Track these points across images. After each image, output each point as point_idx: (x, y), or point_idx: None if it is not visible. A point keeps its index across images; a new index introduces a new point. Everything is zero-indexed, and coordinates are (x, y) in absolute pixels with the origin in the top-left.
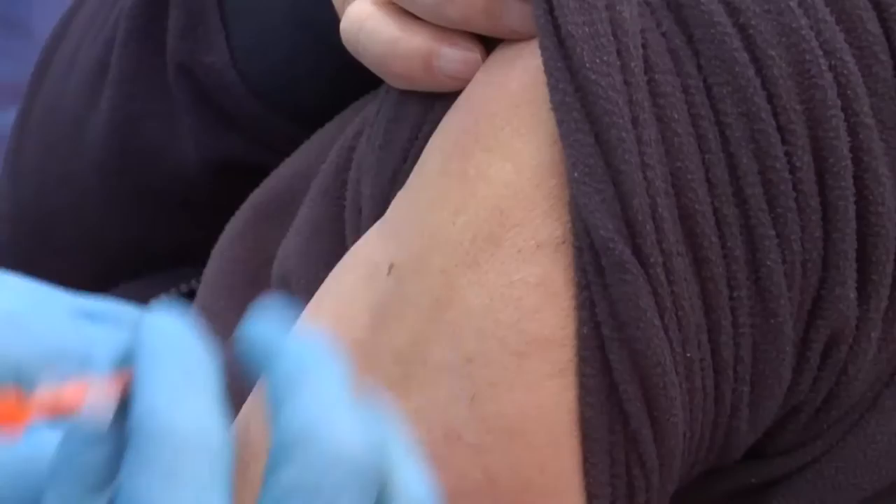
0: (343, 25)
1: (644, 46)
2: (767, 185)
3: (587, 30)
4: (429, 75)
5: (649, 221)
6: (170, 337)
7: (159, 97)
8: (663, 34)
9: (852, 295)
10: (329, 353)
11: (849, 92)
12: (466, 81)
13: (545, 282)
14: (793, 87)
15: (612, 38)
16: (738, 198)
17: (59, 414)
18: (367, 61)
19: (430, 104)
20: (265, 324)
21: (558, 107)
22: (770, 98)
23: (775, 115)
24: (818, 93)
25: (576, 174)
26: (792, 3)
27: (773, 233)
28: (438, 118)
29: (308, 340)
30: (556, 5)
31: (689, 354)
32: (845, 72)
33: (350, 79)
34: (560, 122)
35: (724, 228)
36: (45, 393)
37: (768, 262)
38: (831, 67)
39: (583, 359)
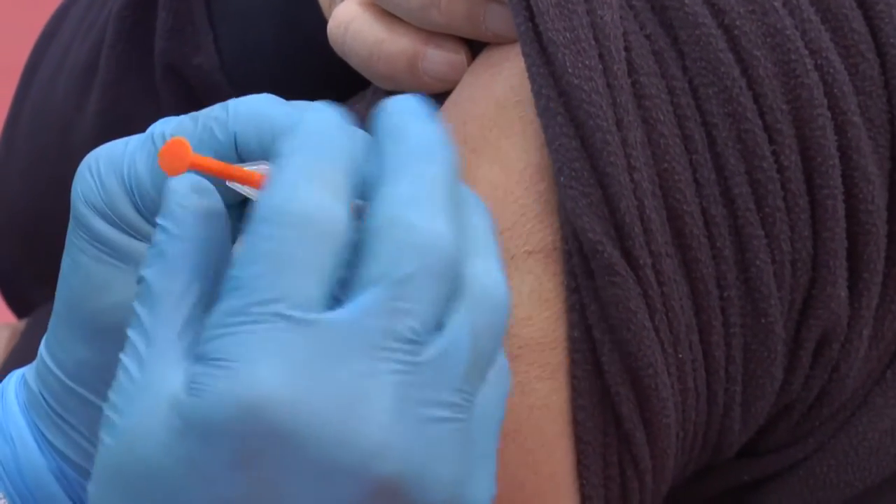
0: (330, 27)
1: (627, 49)
2: (755, 184)
3: (568, 35)
4: (413, 76)
5: (637, 223)
6: (317, 127)
7: (147, 98)
8: (647, 36)
9: (843, 293)
10: (442, 142)
11: (835, 91)
12: (451, 83)
13: (537, 288)
14: (778, 87)
15: (593, 43)
16: (725, 198)
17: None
18: (353, 62)
19: None
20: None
21: (542, 112)
22: (756, 98)
23: (762, 114)
24: (804, 92)
25: (562, 178)
26: (777, 4)
27: (761, 232)
28: None
29: (430, 124)
30: (537, 12)
31: (680, 355)
32: (831, 71)
33: (337, 80)
34: (545, 128)
35: (713, 229)
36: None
37: (757, 262)
38: (817, 67)
39: (574, 361)
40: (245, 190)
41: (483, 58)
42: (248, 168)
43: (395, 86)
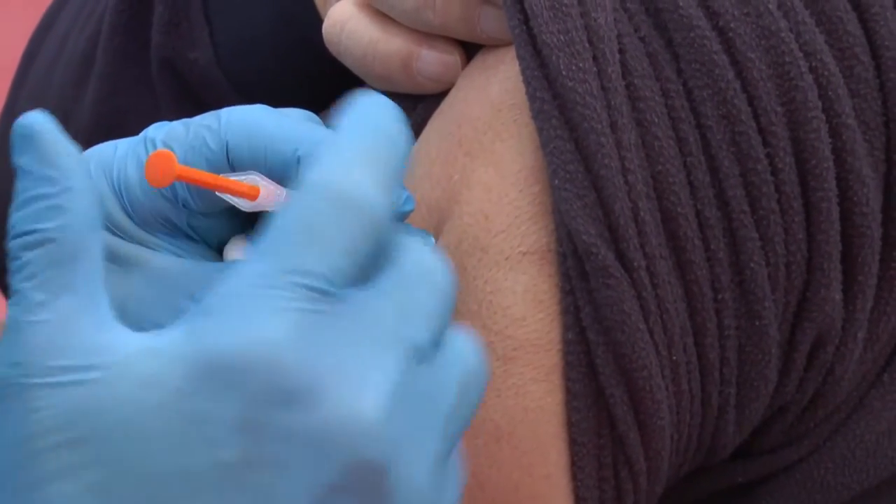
0: (325, 26)
1: (622, 51)
2: (749, 187)
3: (562, 38)
4: (408, 77)
5: (631, 225)
6: (365, 114)
7: (143, 92)
8: (642, 39)
9: (838, 296)
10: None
11: (830, 93)
12: (446, 84)
13: (531, 289)
14: (773, 90)
15: (587, 45)
16: (720, 200)
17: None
18: (347, 62)
19: (411, 106)
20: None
21: (537, 115)
22: (750, 100)
23: (756, 117)
24: (798, 94)
25: (556, 181)
26: (771, 6)
27: (755, 235)
28: (419, 120)
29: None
30: (531, 14)
31: (674, 357)
32: (826, 73)
33: (332, 78)
34: (539, 130)
35: (707, 231)
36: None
37: (752, 265)
38: (812, 69)
39: (569, 363)
40: (234, 200)
41: (478, 60)
42: (237, 178)
43: (389, 86)
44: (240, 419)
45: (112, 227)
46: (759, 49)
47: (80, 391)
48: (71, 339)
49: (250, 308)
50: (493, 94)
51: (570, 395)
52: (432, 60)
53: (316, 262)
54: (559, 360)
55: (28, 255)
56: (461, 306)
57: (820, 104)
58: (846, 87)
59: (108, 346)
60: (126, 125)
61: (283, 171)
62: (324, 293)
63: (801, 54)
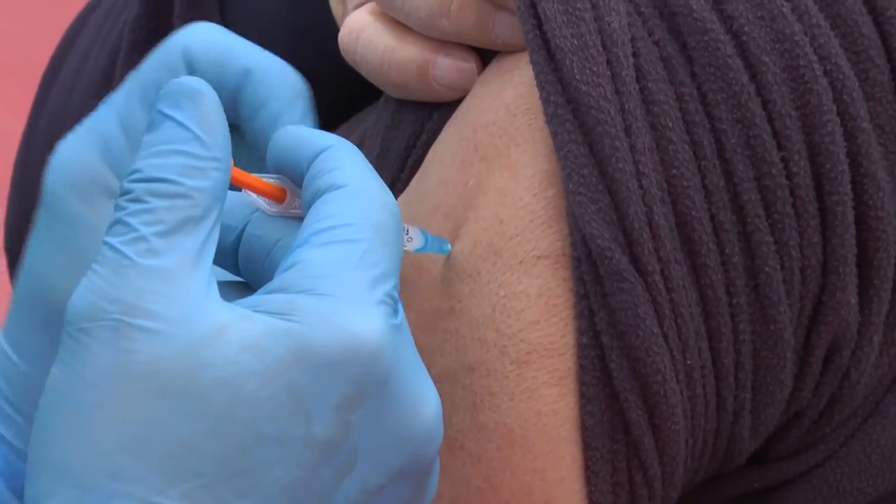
0: (341, 35)
1: (636, 55)
2: (764, 191)
3: (576, 42)
4: (424, 84)
5: (646, 229)
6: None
7: None
8: (656, 43)
9: (853, 300)
10: None
11: (844, 97)
12: (462, 91)
13: (545, 293)
14: (787, 93)
15: (601, 49)
16: (734, 204)
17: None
18: (364, 71)
19: (428, 114)
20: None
21: (551, 119)
22: (765, 104)
23: (770, 120)
24: (813, 98)
25: (571, 185)
26: (785, 10)
27: (770, 239)
28: (436, 127)
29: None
30: (545, 19)
31: (689, 362)
32: (840, 76)
33: (350, 88)
34: (554, 135)
35: (722, 235)
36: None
37: (767, 269)
38: (826, 72)
39: (583, 367)
40: (258, 200)
41: (493, 66)
42: (266, 179)
43: (406, 94)
44: (339, 401)
45: (100, 190)
46: (773, 53)
47: (179, 343)
48: (179, 292)
49: (363, 304)
50: (508, 99)
51: (584, 400)
52: (448, 67)
53: (393, 270)
54: (573, 364)
55: (156, 202)
56: (475, 310)
57: (834, 107)
58: (861, 90)
59: (209, 308)
60: None
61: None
62: (396, 301)
63: (815, 58)
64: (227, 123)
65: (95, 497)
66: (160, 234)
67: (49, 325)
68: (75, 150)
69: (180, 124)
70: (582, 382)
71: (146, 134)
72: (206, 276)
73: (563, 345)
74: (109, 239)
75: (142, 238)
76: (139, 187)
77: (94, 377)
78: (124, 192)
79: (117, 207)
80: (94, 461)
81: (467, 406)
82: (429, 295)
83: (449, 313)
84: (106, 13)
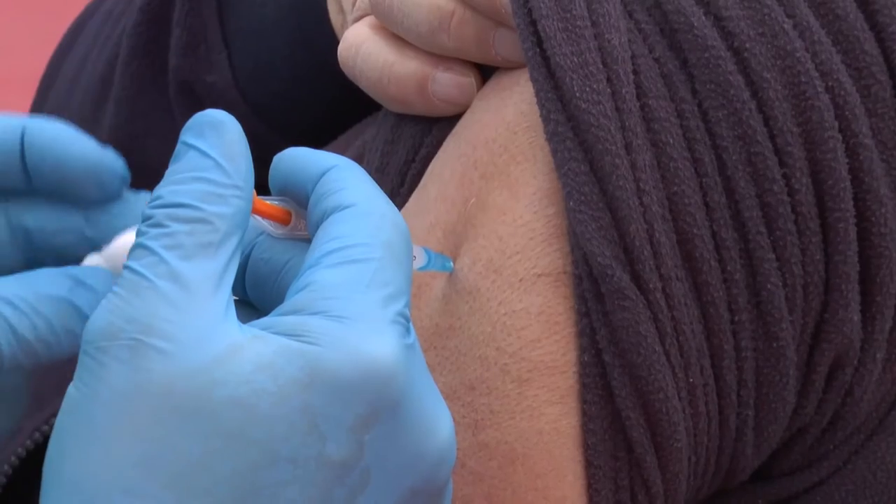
0: (341, 49)
1: (636, 72)
2: (766, 207)
3: (576, 59)
4: (423, 99)
5: (647, 247)
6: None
7: (161, 115)
8: (656, 59)
9: (856, 317)
10: None
11: (847, 113)
12: (461, 106)
13: (546, 311)
14: (789, 110)
15: (601, 66)
16: (736, 221)
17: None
18: (363, 84)
19: (427, 128)
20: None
21: (551, 137)
22: (766, 121)
23: (772, 137)
24: (815, 114)
25: (571, 203)
26: (787, 26)
27: (772, 256)
28: (435, 142)
29: None
30: (545, 37)
31: (691, 379)
32: (842, 93)
33: (349, 98)
34: (554, 152)
35: (724, 252)
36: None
37: (769, 286)
38: (828, 89)
39: (584, 385)
40: (263, 223)
41: (493, 82)
42: (271, 202)
43: (405, 109)
44: (353, 422)
45: None
46: (774, 69)
47: (193, 363)
48: (195, 313)
49: (376, 325)
50: (509, 117)
51: (586, 418)
52: (447, 82)
53: (404, 287)
54: (575, 383)
55: (177, 227)
56: (475, 328)
57: (836, 124)
58: (863, 106)
59: (225, 330)
60: (144, 148)
61: None
62: (408, 319)
63: (816, 74)
64: (250, 153)
65: None
66: (180, 258)
67: None
68: None
69: (202, 153)
70: (584, 400)
71: (171, 164)
72: (224, 299)
73: (564, 363)
74: (130, 263)
75: (162, 261)
76: (160, 213)
77: (110, 395)
78: (146, 218)
79: (139, 233)
80: (108, 478)
81: (468, 424)
82: (429, 312)
83: (449, 331)
84: (104, 19)
